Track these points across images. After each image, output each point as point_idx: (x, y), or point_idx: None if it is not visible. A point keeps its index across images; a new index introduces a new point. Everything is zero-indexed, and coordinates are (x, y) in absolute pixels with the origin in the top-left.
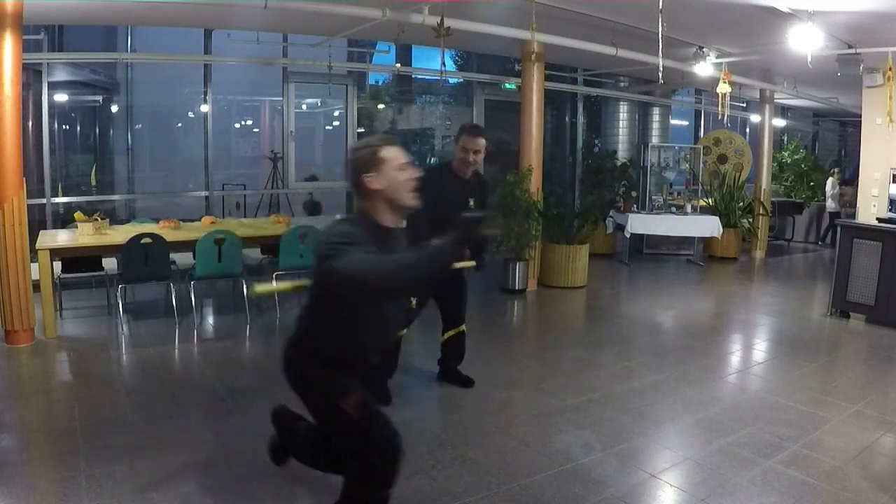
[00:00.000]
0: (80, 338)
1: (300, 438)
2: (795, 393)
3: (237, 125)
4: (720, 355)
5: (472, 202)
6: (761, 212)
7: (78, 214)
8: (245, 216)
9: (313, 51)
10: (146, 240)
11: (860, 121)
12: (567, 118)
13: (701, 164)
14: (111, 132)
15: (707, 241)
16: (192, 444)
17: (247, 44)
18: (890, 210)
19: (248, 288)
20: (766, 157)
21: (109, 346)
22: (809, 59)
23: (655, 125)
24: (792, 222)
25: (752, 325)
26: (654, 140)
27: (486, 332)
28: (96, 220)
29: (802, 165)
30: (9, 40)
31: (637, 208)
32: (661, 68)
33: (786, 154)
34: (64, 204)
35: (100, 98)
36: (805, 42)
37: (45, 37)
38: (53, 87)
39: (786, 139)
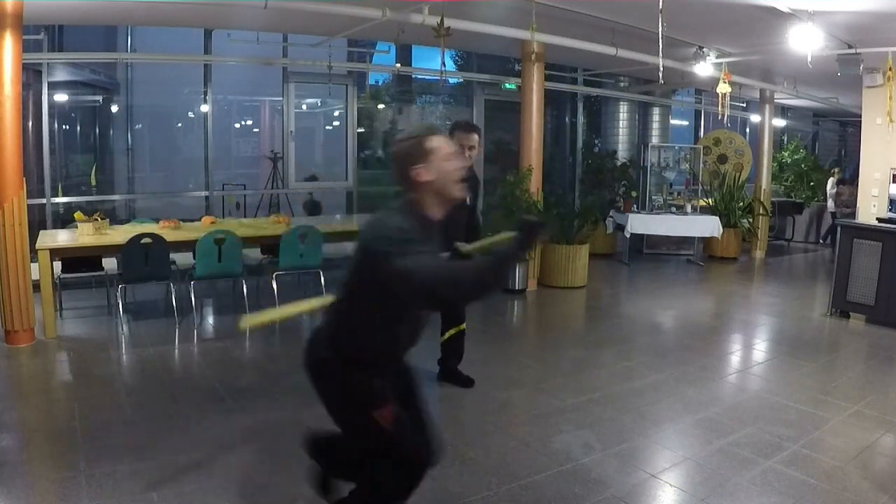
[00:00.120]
0: (80, 338)
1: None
2: (795, 393)
3: (237, 125)
4: (720, 355)
5: (468, 198)
6: (761, 212)
7: (78, 214)
8: (245, 216)
9: (313, 51)
10: (146, 240)
11: (860, 121)
12: (567, 118)
13: (701, 164)
14: (111, 132)
15: (707, 241)
16: (191, 444)
17: (247, 44)
18: (890, 210)
19: (239, 319)
20: (766, 157)
21: (109, 346)
22: (809, 59)
23: (655, 125)
24: (792, 222)
25: (752, 325)
26: (654, 140)
27: (486, 332)
28: (96, 220)
29: (802, 165)
30: (9, 40)
31: (637, 208)
32: (661, 68)
33: (786, 154)
34: (64, 204)
35: (100, 98)
36: (805, 42)
37: (45, 37)
38: (53, 87)
39: (786, 139)
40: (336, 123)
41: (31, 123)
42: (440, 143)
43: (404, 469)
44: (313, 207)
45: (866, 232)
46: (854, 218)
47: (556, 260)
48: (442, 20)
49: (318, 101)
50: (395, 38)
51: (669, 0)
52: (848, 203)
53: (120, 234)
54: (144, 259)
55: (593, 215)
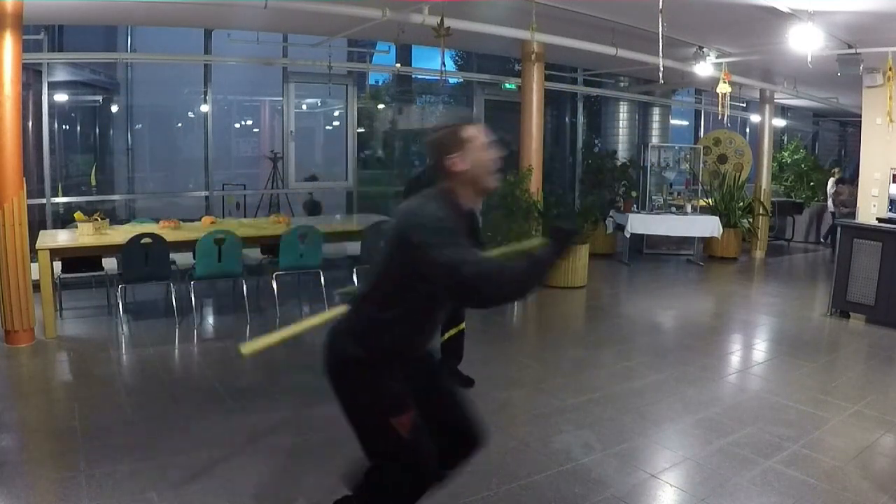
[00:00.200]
0: (80, 338)
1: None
2: (795, 393)
3: (237, 125)
4: (720, 355)
5: None
6: (761, 212)
7: (78, 214)
8: (245, 216)
9: (313, 51)
10: (146, 240)
11: (860, 121)
12: (567, 118)
13: (701, 164)
14: (111, 132)
15: (707, 241)
16: (192, 444)
17: (247, 44)
18: (890, 210)
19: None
20: (766, 157)
21: (109, 346)
22: (809, 59)
23: (655, 125)
24: (792, 222)
25: (752, 325)
26: (654, 140)
27: (486, 332)
28: (96, 220)
29: (802, 165)
30: (9, 40)
31: (637, 208)
32: (661, 68)
33: (786, 154)
34: (64, 204)
35: (100, 98)
36: (805, 42)
37: (45, 37)
38: (53, 87)
39: (786, 139)
40: (336, 123)
41: (31, 123)
42: (476, 133)
43: (413, 475)
44: (313, 207)
45: (866, 232)
46: (854, 218)
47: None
48: (442, 20)
49: (318, 101)
50: (395, 38)
51: (669, 0)
52: (847, 203)
53: (120, 234)
54: (144, 259)
55: (593, 215)
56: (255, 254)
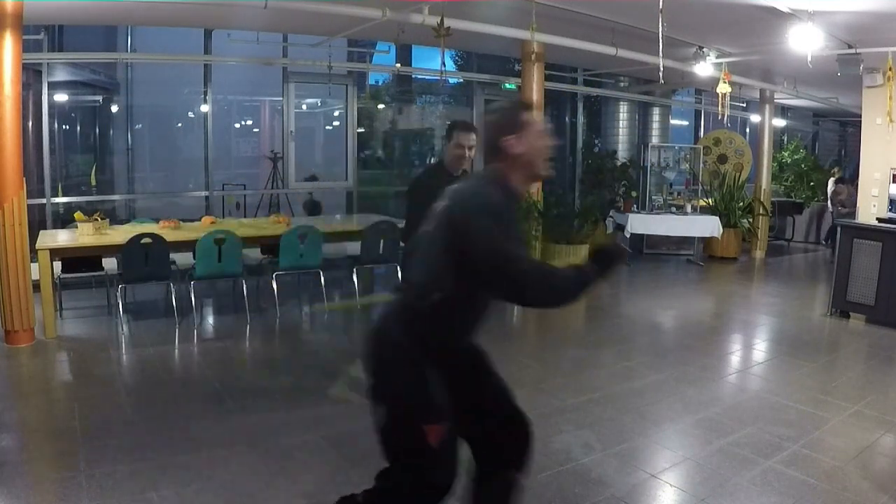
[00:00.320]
0: (80, 338)
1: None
2: (795, 393)
3: (237, 125)
4: (720, 355)
5: None
6: (761, 212)
7: (78, 214)
8: (245, 216)
9: (313, 51)
10: (146, 240)
11: (860, 121)
12: (567, 118)
13: (701, 164)
14: (111, 132)
15: (707, 241)
16: (191, 444)
17: (247, 44)
18: (890, 210)
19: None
20: (766, 157)
21: (109, 346)
22: (809, 59)
23: (655, 125)
24: (792, 222)
25: (752, 325)
26: (654, 140)
27: (487, 332)
28: (96, 220)
29: (802, 165)
30: (9, 40)
31: (637, 208)
32: (662, 68)
33: (786, 154)
34: (64, 204)
35: (100, 98)
36: (805, 42)
37: (45, 37)
38: (53, 87)
39: (786, 139)
40: (336, 123)
41: (31, 123)
42: (534, 118)
43: (427, 488)
44: (313, 207)
45: (866, 232)
46: (853, 218)
47: (556, 260)
48: (442, 20)
49: (318, 101)
50: (395, 38)
51: (669, 0)
52: (846, 203)
53: (120, 234)
54: (144, 259)
55: (593, 215)
56: (255, 254)
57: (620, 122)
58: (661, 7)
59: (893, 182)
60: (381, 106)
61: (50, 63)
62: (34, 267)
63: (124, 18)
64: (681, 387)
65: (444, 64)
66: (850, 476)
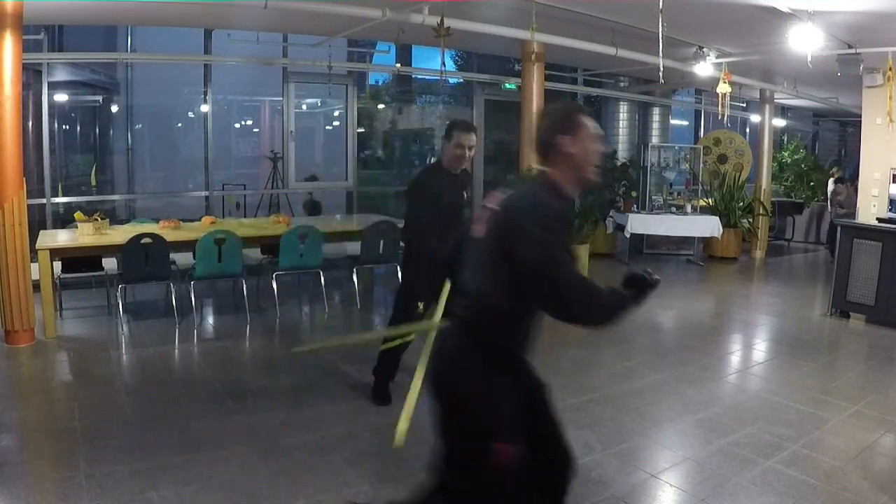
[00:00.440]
0: (80, 338)
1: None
2: (795, 393)
3: (237, 125)
4: (720, 355)
5: (465, 195)
6: (761, 212)
7: (78, 214)
8: (245, 216)
9: (313, 51)
10: (146, 240)
11: (860, 121)
12: None
13: (701, 164)
14: (111, 132)
15: (707, 241)
16: (191, 444)
17: (247, 44)
18: (890, 210)
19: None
20: (766, 157)
21: (109, 346)
22: (809, 59)
23: (655, 125)
24: (792, 222)
25: (752, 325)
26: (654, 140)
27: None
28: (96, 220)
29: (802, 165)
30: (9, 40)
31: (637, 208)
32: (662, 68)
33: (786, 154)
34: (64, 204)
35: (100, 98)
36: (805, 42)
37: (45, 37)
38: (53, 87)
39: (786, 139)
40: (336, 123)
41: (31, 123)
42: (590, 123)
43: None
44: (313, 207)
45: (866, 232)
46: (853, 218)
47: None
48: (442, 20)
49: (318, 101)
50: (395, 38)
51: (669, 0)
52: (844, 203)
53: (120, 234)
54: (144, 259)
55: (593, 215)
56: (255, 254)
57: (620, 122)
58: (661, 7)
59: (893, 182)
60: (381, 106)
61: (50, 63)
62: (34, 267)
63: (124, 18)
64: (681, 387)
65: (444, 64)
66: (850, 476)
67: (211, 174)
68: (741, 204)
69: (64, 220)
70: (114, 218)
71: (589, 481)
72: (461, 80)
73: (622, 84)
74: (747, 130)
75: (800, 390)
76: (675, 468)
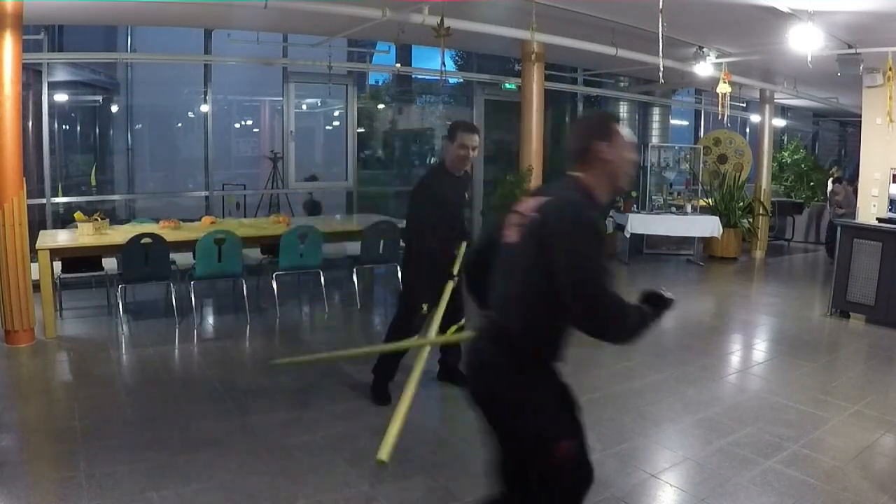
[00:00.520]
0: (80, 338)
1: None
2: (795, 393)
3: (237, 125)
4: (720, 355)
5: (465, 196)
6: (761, 212)
7: (78, 214)
8: (245, 216)
9: (313, 51)
10: (146, 240)
11: (860, 121)
12: (567, 118)
13: (701, 164)
14: (111, 132)
15: (707, 241)
16: (191, 444)
17: (247, 44)
18: (890, 210)
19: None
20: (766, 157)
21: (109, 346)
22: (809, 59)
23: (655, 125)
24: (792, 222)
25: (752, 325)
26: (654, 140)
27: None
28: (96, 220)
29: (802, 165)
30: (9, 40)
31: (637, 208)
32: (662, 68)
33: (786, 154)
34: (64, 204)
35: (100, 98)
36: (805, 42)
37: (45, 37)
38: (53, 87)
39: (786, 139)
40: (336, 123)
41: (31, 123)
42: (625, 132)
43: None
44: (313, 207)
45: (866, 232)
46: (853, 218)
47: None
48: (442, 20)
49: (318, 101)
50: (395, 38)
51: (669, 0)
52: (842, 203)
53: (120, 234)
54: (144, 259)
55: None
56: (255, 254)
57: (620, 122)
58: (661, 7)
59: (893, 182)
60: (381, 106)
61: (50, 63)
62: (34, 267)
63: (124, 18)
64: (681, 387)
65: (444, 64)
66: (850, 476)
67: (211, 174)
68: (741, 204)
69: (64, 220)
70: (114, 218)
71: None
72: (461, 80)
73: (622, 84)
74: (747, 130)
75: (800, 390)
76: (675, 468)
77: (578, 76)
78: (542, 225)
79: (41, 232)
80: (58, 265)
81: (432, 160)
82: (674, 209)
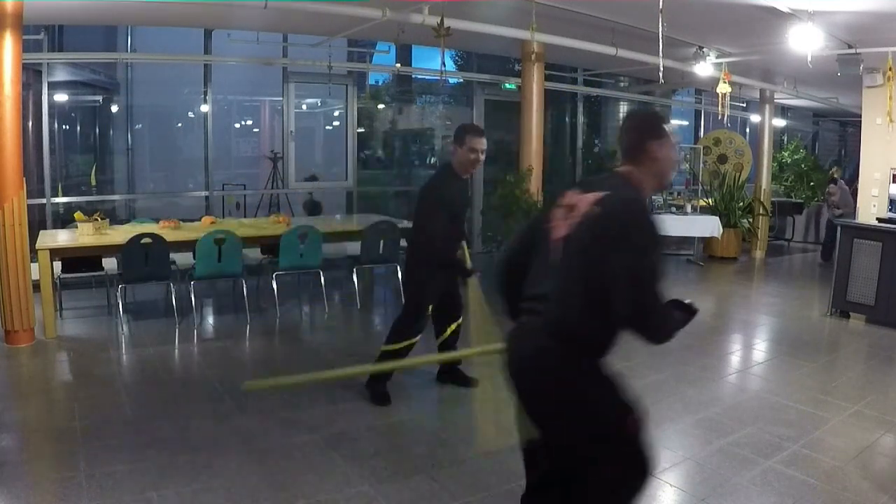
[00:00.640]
0: (80, 338)
1: None
2: (795, 393)
3: (237, 125)
4: (720, 355)
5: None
6: (761, 212)
7: (78, 214)
8: (245, 216)
9: (313, 51)
10: (146, 240)
11: (860, 121)
12: (567, 118)
13: (701, 164)
14: (111, 132)
15: (707, 241)
16: (191, 444)
17: (247, 44)
18: (890, 210)
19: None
20: (766, 157)
21: (109, 346)
22: (809, 59)
23: None
24: (792, 222)
25: (752, 325)
26: None
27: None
28: (96, 220)
29: (802, 165)
30: (9, 40)
31: None
32: (661, 68)
33: (786, 154)
34: (64, 204)
35: (100, 98)
36: (805, 42)
37: (45, 37)
38: (53, 87)
39: (786, 139)
40: (336, 123)
41: (31, 123)
42: (672, 132)
43: (635, 479)
44: (313, 207)
45: (866, 232)
46: (850, 218)
47: None
48: (442, 20)
49: (318, 101)
50: (395, 38)
51: (669, 0)
52: (839, 203)
53: (120, 234)
54: (144, 259)
55: None
56: (255, 254)
57: (620, 122)
58: (661, 7)
59: (893, 182)
60: (381, 106)
61: (50, 63)
62: (34, 267)
63: (124, 18)
64: (681, 387)
65: (444, 64)
66: (850, 476)
67: (211, 174)
68: (741, 204)
69: (64, 220)
70: (114, 218)
71: None
72: (461, 80)
73: (622, 84)
74: (747, 130)
75: (800, 390)
76: (675, 468)
77: (578, 76)
78: (604, 220)
79: (41, 232)
80: (58, 265)
81: (432, 160)
82: (674, 209)
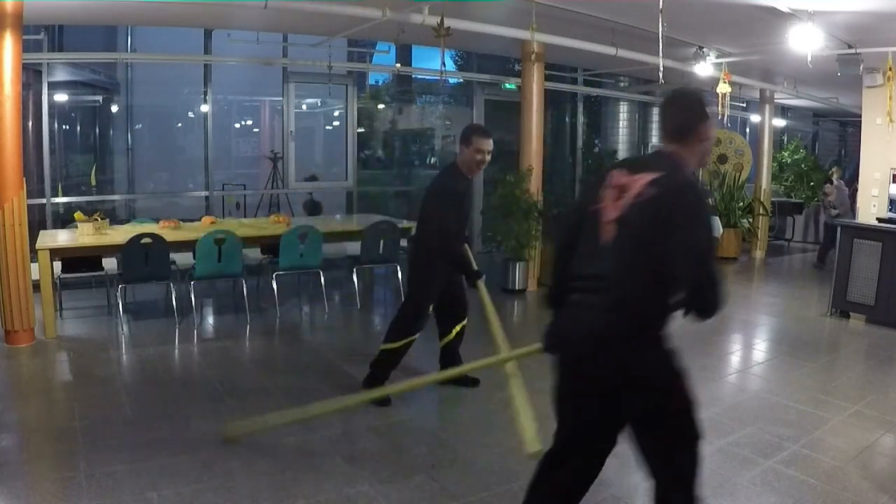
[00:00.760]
0: (80, 338)
1: None
2: (795, 393)
3: (237, 125)
4: (720, 355)
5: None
6: (761, 212)
7: (78, 214)
8: (245, 216)
9: (313, 51)
10: (146, 240)
11: (860, 121)
12: (567, 118)
13: None
14: (111, 132)
15: None
16: (191, 444)
17: (247, 44)
18: (890, 210)
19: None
20: (766, 157)
21: (109, 346)
22: (809, 59)
23: (655, 125)
24: (792, 222)
25: (752, 325)
26: (654, 140)
27: (487, 332)
28: (96, 220)
29: (802, 165)
30: (9, 40)
31: None
32: (661, 68)
33: (786, 154)
34: (64, 204)
35: (100, 98)
36: (805, 42)
37: (45, 37)
38: (53, 87)
39: (786, 139)
40: (336, 123)
41: (31, 123)
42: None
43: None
44: (313, 207)
45: (866, 232)
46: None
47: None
48: (442, 20)
49: (318, 101)
50: (395, 38)
51: (669, 0)
52: (835, 204)
53: (120, 234)
54: (144, 259)
55: None
56: (255, 254)
57: (620, 122)
58: (661, 7)
59: (893, 182)
60: (381, 106)
61: (50, 63)
62: (34, 267)
63: (124, 18)
64: None
65: (444, 64)
66: (850, 476)
67: (211, 174)
68: (741, 204)
69: (64, 220)
70: (114, 218)
71: None
72: (461, 80)
73: (622, 84)
74: (747, 130)
75: (800, 390)
76: None
77: (578, 76)
78: (663, 201)
79: (41, 232)
80: (58, 265)
81: (432, 160)
82: None
